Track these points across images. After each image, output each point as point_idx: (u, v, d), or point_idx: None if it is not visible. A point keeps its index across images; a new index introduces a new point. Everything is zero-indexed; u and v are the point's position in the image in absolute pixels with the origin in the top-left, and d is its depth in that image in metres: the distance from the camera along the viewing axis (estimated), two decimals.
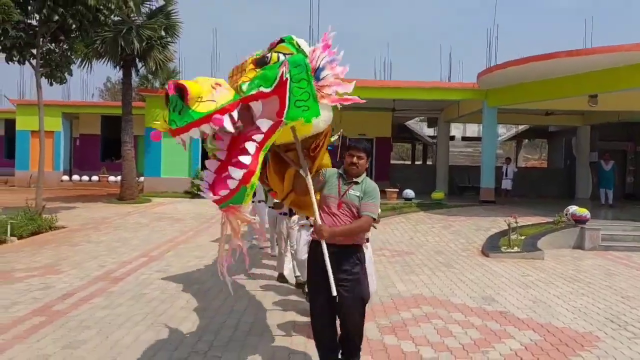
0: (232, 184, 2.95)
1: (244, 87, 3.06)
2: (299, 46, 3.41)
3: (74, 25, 11.43)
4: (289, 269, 6.67)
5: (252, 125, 3.08)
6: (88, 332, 4.56)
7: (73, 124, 24.56)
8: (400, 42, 65.89)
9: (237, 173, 2.95)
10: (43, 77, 11.98)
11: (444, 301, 5.76)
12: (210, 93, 2.94)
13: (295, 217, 6.20)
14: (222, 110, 2.91)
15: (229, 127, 2.92)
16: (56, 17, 11.09)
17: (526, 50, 65.58)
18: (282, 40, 3.45)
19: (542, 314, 5.37)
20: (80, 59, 15.10)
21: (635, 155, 19.80)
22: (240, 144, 3.04)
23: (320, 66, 3.31)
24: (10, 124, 24.34)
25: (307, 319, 4.28)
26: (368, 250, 4.20)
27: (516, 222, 9.05)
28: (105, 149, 25.08)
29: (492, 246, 8.91)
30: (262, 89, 3.04)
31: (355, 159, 3.68)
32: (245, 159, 2.97)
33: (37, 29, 11.54)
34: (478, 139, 25.30)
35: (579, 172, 19.19)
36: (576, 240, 9.59)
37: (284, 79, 3.06)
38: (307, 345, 4.27)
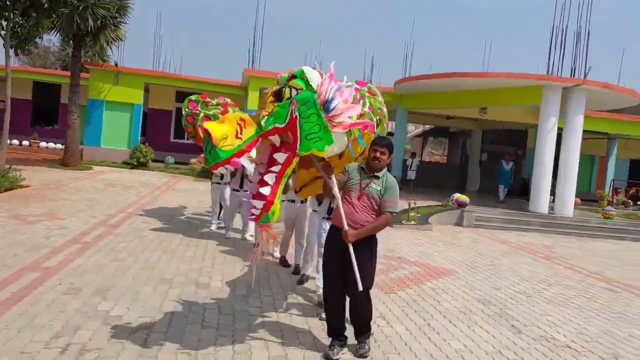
0: (255, 211, 3.57)
1: (262, 123, 3.51)
2: (309, 82, 3.59)
3: (45, 4, 12.65)
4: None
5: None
6: (121, 254, 6.53)
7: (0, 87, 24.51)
8: (330, 41, 69.44)
9: (259, 203, 3.53)
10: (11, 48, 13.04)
11: None
12: (234, 131, 3.44)
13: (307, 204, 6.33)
14: (240, 153, 3.47)
15: (248, 166, 3.84)
16: None
17: (436, 63, 72.10)
18: (294, 76, 3.66)
19: (425, 259, 8.07)
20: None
21: (515, 158, 23.80)
22: (264, 173, 3.57)
23: (329, 98, 3.53)
24: None
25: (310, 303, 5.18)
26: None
27: (414, 204, 11.87)
28: (35, 115, 25.22)
29: (395, 220, 11.64)
30: (276, 125, 3.48)
31: (378, 154, 3.90)
32: (265, 190, 3.51)
33: (8, 3, 12.60)
34: (390, 133, 28.56)
35: (471, 169, 22.86)
36: (457, 219, 12.61)
37: (294, 116, 3.44)
38: (310, 323, 4.58)
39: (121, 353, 3.65)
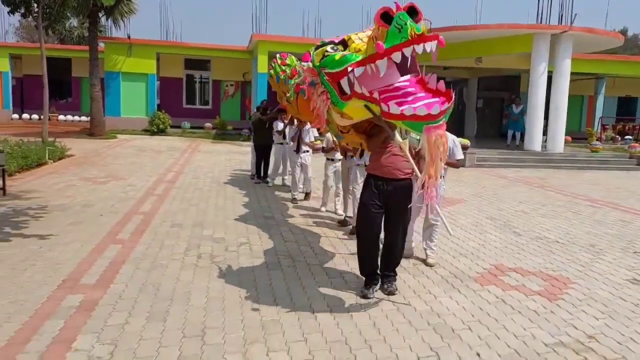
0: (438, 111, 3.30)
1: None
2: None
3: None
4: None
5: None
6: (193, 200, 7.97)
7: (15, 64, 25.44)
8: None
9: (440, 101, 3.35)
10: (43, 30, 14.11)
11: None
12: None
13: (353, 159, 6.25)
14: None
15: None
16: None
17: (431, 16, 72.82)
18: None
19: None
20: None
21: (510, 102, 25.09)
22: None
23: None
24: None
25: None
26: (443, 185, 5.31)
27: None
28: (49, 90, 26.14)
29: None
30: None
31: None
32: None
33: None
34: None
35: (468, 115, 24.19)
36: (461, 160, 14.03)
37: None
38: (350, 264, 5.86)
39: (239, 257, 5.13)
